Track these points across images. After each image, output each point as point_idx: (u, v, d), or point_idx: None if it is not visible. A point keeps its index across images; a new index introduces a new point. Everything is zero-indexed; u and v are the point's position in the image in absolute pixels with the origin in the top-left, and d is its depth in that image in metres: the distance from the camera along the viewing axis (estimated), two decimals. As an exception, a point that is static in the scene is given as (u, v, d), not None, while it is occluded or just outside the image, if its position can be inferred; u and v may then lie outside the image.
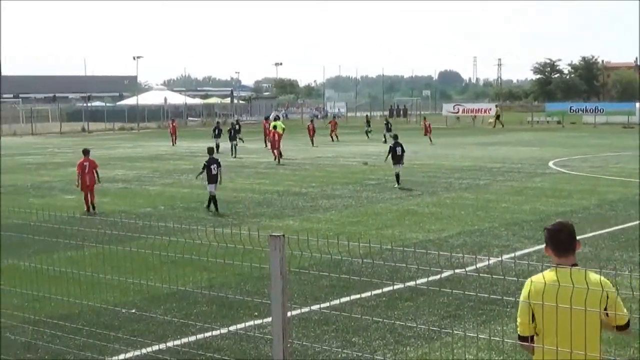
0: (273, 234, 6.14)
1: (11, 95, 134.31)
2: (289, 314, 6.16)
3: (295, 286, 14.58)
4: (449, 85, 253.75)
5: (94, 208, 26.01)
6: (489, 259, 14.97)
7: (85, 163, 26.71)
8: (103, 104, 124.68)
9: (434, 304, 13.72)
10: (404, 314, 13.15)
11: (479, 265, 15.05)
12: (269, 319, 6.60)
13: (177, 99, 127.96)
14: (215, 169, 26.04)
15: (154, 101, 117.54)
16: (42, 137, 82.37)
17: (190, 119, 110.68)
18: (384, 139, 59.18)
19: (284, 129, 50.11)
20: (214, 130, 54.87)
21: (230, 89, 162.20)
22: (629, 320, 6.41)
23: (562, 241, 6.39)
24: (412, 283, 13.60)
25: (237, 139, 51.90)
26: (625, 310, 6.32)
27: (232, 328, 12.21)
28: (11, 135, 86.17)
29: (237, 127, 54.22)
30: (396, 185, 31.08)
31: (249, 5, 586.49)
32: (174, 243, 7.53)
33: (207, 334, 12.09)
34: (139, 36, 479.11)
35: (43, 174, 37.41)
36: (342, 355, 11.07)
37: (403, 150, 32.11)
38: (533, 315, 6.34)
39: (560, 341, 6.14)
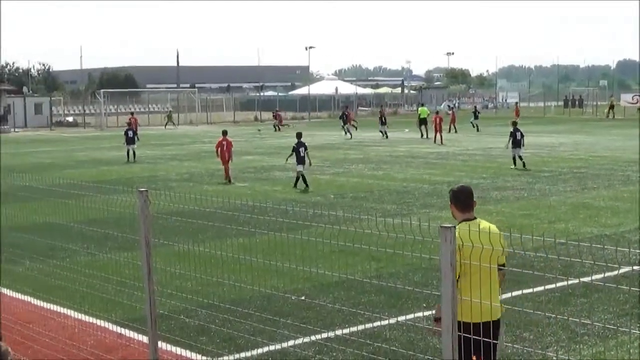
0: (444, 225, 6.06)
1: (188, 85, 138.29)
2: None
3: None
4: (628, 75, 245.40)
5: (229, 180, 31.58)
6: (668, 256, 14.40)
7: (223, 142, 32.58)
8: (275, 93, 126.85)
9: (609, 301, 13.27)
10: (577, 310, 12.79)
11: (658, 261, 14.49)
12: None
13: (348, 88, 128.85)
14: (303, 152, 29.38)
15: (325, 91, 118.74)
16: (217, 125, 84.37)
17: (360, 108, 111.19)
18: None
19: (428, 114, 57.38)
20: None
21: (401, 78, 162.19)
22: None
23: (464, 200, 8.13)
24: (587, 279, 13.16)
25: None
26: None
27: (400, 318, 12.17)
28: (187, 124, 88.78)
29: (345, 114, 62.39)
30: (512, 167, 34.02)
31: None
32: (344, 232, 7.53)
33: (376, 324, 12.08)
34: (311, 27, 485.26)
35: (217, 162, 38.23)
36: (512, 350, 10.85)
37: (522, 135, 34.95)
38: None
39: (483, 278, 7.41)
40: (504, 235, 8.00)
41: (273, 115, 77.92)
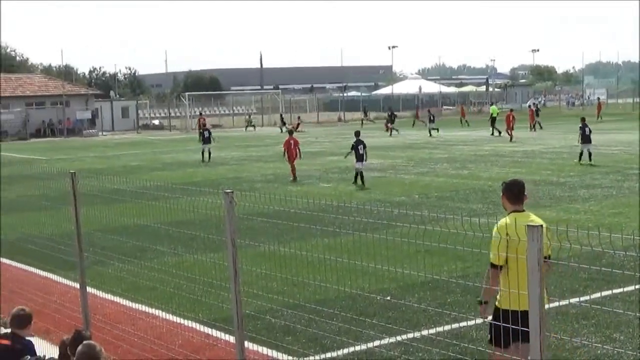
0: (530, 224, 5.98)
1: (271, 87, 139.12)
2: (546, 306, 5.98)
3: (553, 278, 14.20)
4: None
5: (295, 178, 32.63)
6: None
7: (290, 141, 33.86)
8: (359, 93, 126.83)
9: (702, 300, 12.96)
10: (669, 310, 12.51)
11: None
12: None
13: (432, 87, 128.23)
14: (362, 149, 30.39)
15: (408, 90, 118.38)
16: (300, 126, 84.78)
17: (445, 107, 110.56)
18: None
19: (497, 112, 60.04)
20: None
21: (485, 76, 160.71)
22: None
23: (516, 193, 8.63)
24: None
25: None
26: None
27: (488, 319, 12.04)
28: (271, 125, 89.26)
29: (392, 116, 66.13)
30: (576, 161, 35.51)
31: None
32: (429, 232, 7.49)
33: (462, 324, 11.99)
34: (394, 26, 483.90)
35: (301, 162, 38.41)
36: (602, 351, 10.65)
37: (590, 131, 36.12)
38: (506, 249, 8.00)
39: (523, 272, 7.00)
40: (552, 230, 8.09)
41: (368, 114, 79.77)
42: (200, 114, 72.85)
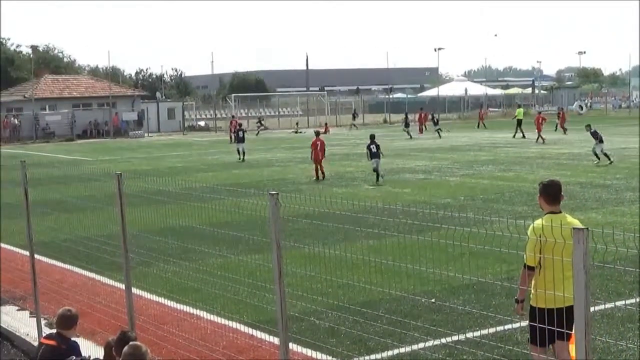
0: (576, 227, 5.93)
1: (317, 88, 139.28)
2: (591, 309, 5.93)
3: (598, 281, 14.08)
4: None
5: (323, 177, 33.68)
6: None
7: (317, 142, 34.40)
8: (404, 95, 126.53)
9: None
10: None
11: None
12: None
13: (478, 89, 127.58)
14: (375, 148, 32.26)
15: (454, 92, 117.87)
16: (345, 128, 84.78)
17: (490, 109, 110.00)
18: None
19: (523, 114, 61.22)
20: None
21: (531, 78, 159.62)
22: None
23: (553, 193, 8.68)
24: None
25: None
26: None
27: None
28: (317, 126, 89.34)
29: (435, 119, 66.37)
30: (595, 161, 36.68)
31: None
32: (474, 234, 7.45)
33: (507, 326, 11.92)
34: (440, 28, 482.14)
35: (346, 164, 38.42)
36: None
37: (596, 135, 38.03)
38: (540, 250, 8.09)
39: (560, 268, 7.37)
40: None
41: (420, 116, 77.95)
42: (233, 116, 73.81)
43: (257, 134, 76.73)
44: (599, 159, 36.74)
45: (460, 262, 13.04)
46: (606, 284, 14.14)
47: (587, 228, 5.84)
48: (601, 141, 37.77)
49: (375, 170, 32.27)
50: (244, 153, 45.82)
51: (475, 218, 8.66)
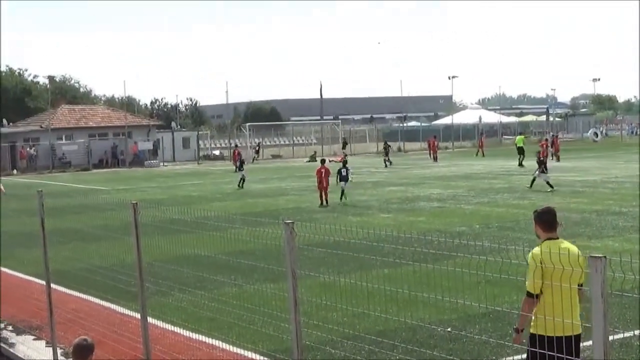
0: (593, 254, 5.90)
1: (331, 117, 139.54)
2: (610, 338, 5.89)
3: (617, 309, 13.99)
4: None
5: (327, 203, 35.07)
6: None
7: (322, 170, 35.99)
8: (418, 123, 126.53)
9: None
10: None
11: None
12: (589, 343, 6.34)
13: (492, 117, 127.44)
14: (345, 171, 36.71)
15: (468, 120, 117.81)
16: (360, 157, 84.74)
17: (505, 137, 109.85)
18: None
19: (522, 141, 61.65)
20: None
21: (546, 106, 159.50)
22: None
23: (549, 221, 8.68)
24: None
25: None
26: None
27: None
28: (331, 155, 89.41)
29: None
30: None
31: (562, 20, 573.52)
32: (490, 262, 7.44)
33: (524, 356, 11.82)
34: (454, 56, 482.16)
35: (360, 192, 38.35)
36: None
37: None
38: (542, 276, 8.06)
39: (563, 296, 7.65)
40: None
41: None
42: (236, 145, 75.33)
43: (252, 161, 77.38)
44: (552, 187, 37.55)
45: (477, 290, 12.98)
46: (625, 313, 14.04)
47: (605, 256, 5.82)
48: (544, 171, 39.01)
49: (342, 190, 36.10)
50: (243, 180, 48.00)
51: (491, 246, 8.65)
